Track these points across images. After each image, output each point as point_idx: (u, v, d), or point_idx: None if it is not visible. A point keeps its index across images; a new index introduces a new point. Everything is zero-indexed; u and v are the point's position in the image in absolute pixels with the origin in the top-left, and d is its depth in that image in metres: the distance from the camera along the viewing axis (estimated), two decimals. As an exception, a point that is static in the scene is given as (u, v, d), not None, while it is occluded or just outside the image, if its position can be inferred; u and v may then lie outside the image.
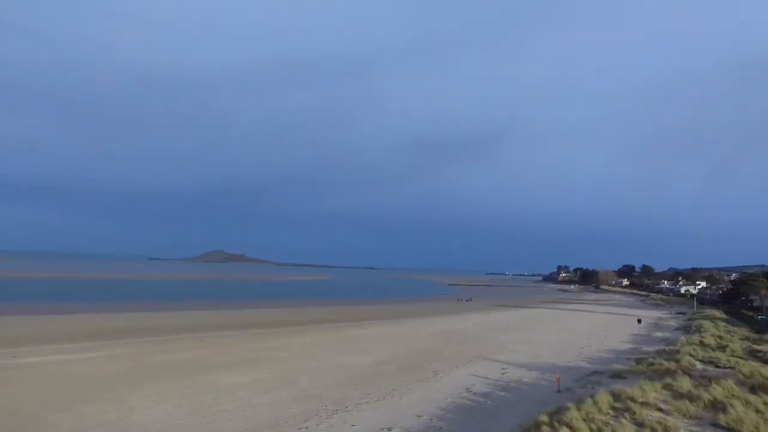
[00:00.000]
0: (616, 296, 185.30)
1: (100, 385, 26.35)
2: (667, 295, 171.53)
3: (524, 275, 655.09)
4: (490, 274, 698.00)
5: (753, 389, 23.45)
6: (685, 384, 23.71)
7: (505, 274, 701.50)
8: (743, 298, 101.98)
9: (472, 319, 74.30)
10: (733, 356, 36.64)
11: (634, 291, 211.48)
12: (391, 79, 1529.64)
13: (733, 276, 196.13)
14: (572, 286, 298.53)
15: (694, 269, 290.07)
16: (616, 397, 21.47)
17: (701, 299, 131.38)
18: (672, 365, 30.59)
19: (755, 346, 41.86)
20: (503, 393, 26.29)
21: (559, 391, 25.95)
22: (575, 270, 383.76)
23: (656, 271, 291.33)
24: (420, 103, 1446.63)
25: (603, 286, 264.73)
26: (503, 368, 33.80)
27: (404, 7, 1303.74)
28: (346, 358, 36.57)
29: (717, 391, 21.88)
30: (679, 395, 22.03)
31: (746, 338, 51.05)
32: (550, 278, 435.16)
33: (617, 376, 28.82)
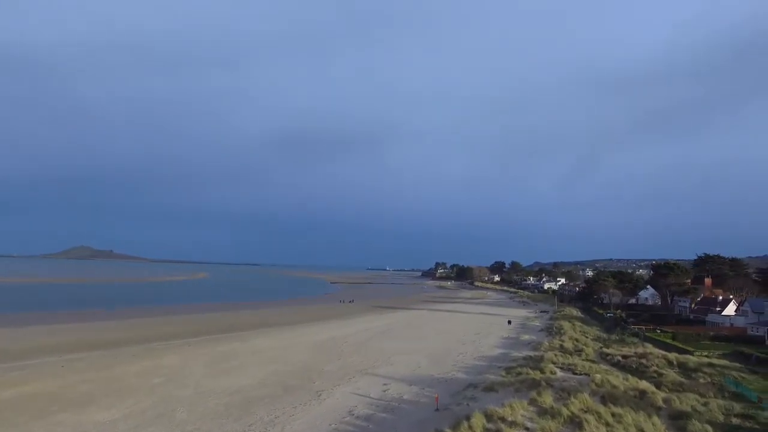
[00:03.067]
0: (489, 293, 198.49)
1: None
2: (533, 292, 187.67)
3: (404, 270, 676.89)
4: (371, 269, 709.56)
5: (603, 399, 26.30)
6: (547, 399, 25.95)
7: (385, 270, 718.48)
8: (595, 296, 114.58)
9: (354, 324, 74.98)
10: (587, 360, 41.07)
11: (505, 288, 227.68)
12: (265, 73, 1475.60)
13: (588, 272, 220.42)
14: (449, 282, 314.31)
15: (555, 264, 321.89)
16: (488, 417, 22.79)
17: (561, 296, 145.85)
18: (537, 375, 33.39)
19: (605, 349, 47.39)
20: (385, 414, 26.68)
21: (437, 409, 26.98)
22: (452, 266, 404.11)
23: (523, 265, 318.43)
24: (297, 99, 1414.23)
25: (477, 283, 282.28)
26: (385, 384, 34.38)
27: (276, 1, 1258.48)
28: (226, 381, 34.85)
29: (574, 405, 24.20)
30: (543, 411, 23.99)
31: (598, 338, 57.52)
32: (429, 274, 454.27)
33: (490, 389, 30.67)
